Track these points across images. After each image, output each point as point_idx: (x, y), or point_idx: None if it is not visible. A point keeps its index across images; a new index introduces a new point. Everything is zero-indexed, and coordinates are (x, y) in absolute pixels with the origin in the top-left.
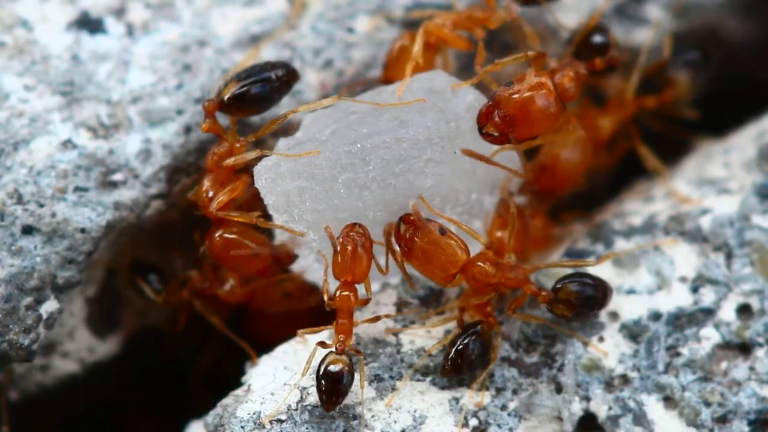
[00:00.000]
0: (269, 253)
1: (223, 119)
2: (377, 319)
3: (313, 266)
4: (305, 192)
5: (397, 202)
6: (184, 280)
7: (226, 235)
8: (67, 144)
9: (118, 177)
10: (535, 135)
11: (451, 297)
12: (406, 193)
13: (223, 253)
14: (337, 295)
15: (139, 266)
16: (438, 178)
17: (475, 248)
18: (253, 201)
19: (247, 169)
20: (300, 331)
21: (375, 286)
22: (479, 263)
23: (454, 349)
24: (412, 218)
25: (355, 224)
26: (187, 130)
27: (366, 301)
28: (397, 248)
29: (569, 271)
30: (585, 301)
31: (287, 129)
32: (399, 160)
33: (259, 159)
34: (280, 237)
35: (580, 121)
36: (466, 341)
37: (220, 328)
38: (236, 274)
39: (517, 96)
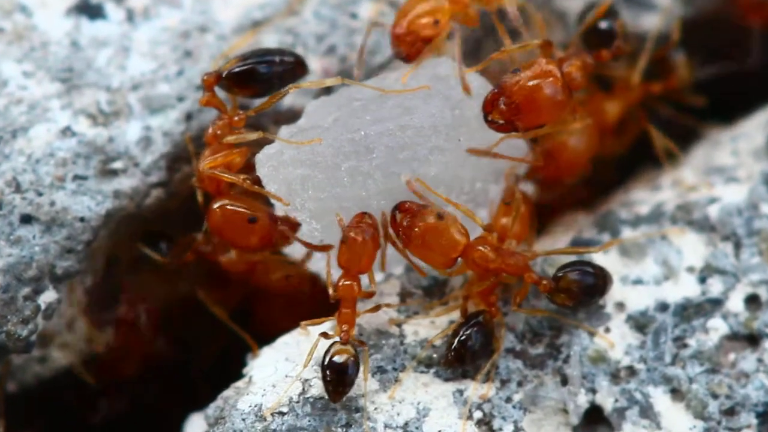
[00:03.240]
0: (268, 218)
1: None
2: (378, 308)
3: (315, 256)
4: (308, 180)
5: (401, 190)
6: (190, 242)
7: (226, 206)
8: (67, 131)
9: (117, 165)
10: (541, 123)
11: (455, 287)
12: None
13: (223, 224)
14: (340, 284)
15: (150, 235)
16: (442, 166)
17: (477, 233)
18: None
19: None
20: (303, 323)
21: (378, 277)
22: (479, 247)
23: (456, 340)
24: (407, 206)
25: (364, 214)
26: (188, 117)
27: (370, 294)
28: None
29: (571, 259)
30: (586, 290)
31: (289, 116)
32: (403, 147)
33: (260, 140)
34: (280, 212)
35: (585, 106)
36: (468, 331)
37: (222, 318)
38: (238, 250)
39: (523, 83)
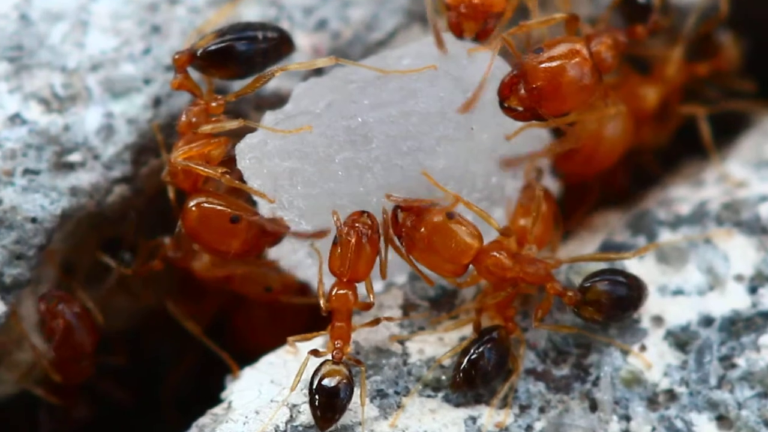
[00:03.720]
0: (252, 218)
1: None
2: (377, 322)
3: (305, 262)
4: (296, 174)
5: (404, 186)
6: (156, 248)
7: (203, 204)
8: (15, 119)
9: (75, 158)
10: (566, 111)
11: (466, 299)
12: (414, 176)
13: (200, 225)
14: (334, 293)
15: (111, 244)
16: (452, 159)
17: (492, 236)
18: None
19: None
20: (290, 339)
21: (377, 286)
22: (494, 253)
23: (466, 359)
24: (411, 204)
25: (362, 213)
26: (157, 102)
27: (367, 306)
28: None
29: (601, 266)
30: (617, 302)
31: (275, 101)
32: (406, 137)
33: (240, 129)
34: (265, 211)
35: (619, 91)
36: (480, 349)
37: (195, 334)
38: (216, 257)
39: (546, 65)
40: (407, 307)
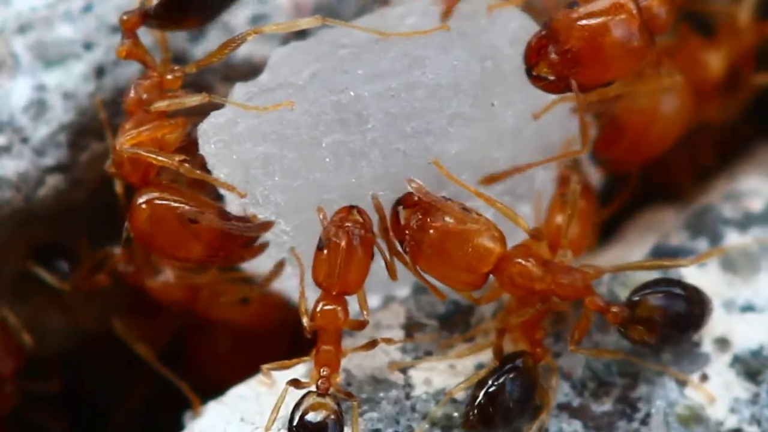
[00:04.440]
0: (217, 217)
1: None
2: (373, 345)
3: (284, 269)
4: (273, 162)
5: (407, 176)
6: (103, 260)
7: (155, 200)
8: None
9: None
10: (609, 80)
11: (484, 316)
12: (420, 164)
13: (152, 227)
14: (319, 309)
15: (42, 251)
16: (467, 142)
17: (517, 240)
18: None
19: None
20: (264, 367)
21: (373, 301)
22: (519, 259)
23: (483, 392)
24: (416, 199)
25: (351, 208)
26: (100, 72)
27: (361, 325)
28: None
29: (653, 276)
30: (672, 321)
31: (246, 71)
32: (411, 115)
33: (204, 105)
34: (235, 208)
35: (675, 57)
36: (501, 380)
37: (148, 359)
38: (174, 263)
39: (583, 22)
40: (411, 327)
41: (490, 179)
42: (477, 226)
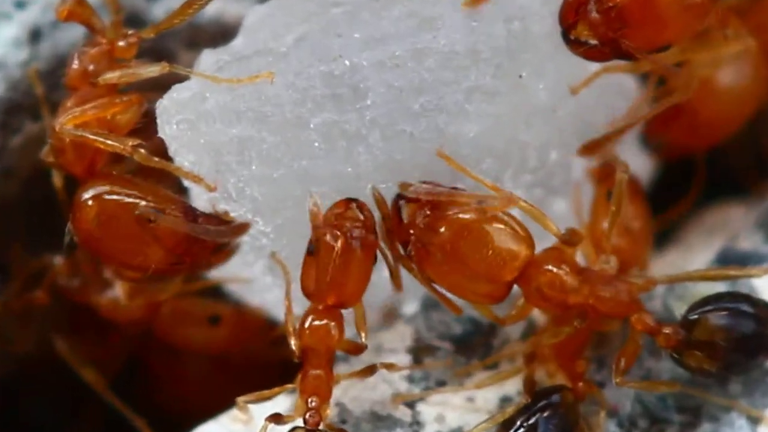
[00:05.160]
0: (181, 215)
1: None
2: (372, 371)
3: (262, 280)
4: (250, 147)
5: (415, 164)
6: (40, 272)
7: (104, 195)
8: None
9: None
10: (663, 44)
11: (510, 338)
12: (431, 150)
13: (100, 228)
14: (307, 325)
15: None
16: (489, 123)
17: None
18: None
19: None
20: (240, 399)
21: (375, 318)
22: (549, 266)
23: None
24: (419, 193)
25: (349, 202)
26: (35, 36)
27: (357, 348)
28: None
29: (717, 289)
30: (740, 344)
31: (216, 34)
32: (419, 89)
33: (163, 78)
34: (202, 204)
35: (747, 17)
36: (532, 420)
37: (97, 388)
38: (127, 274)
39: None
40: (419, 351)
41: (591, 147)
42: (498, 224)
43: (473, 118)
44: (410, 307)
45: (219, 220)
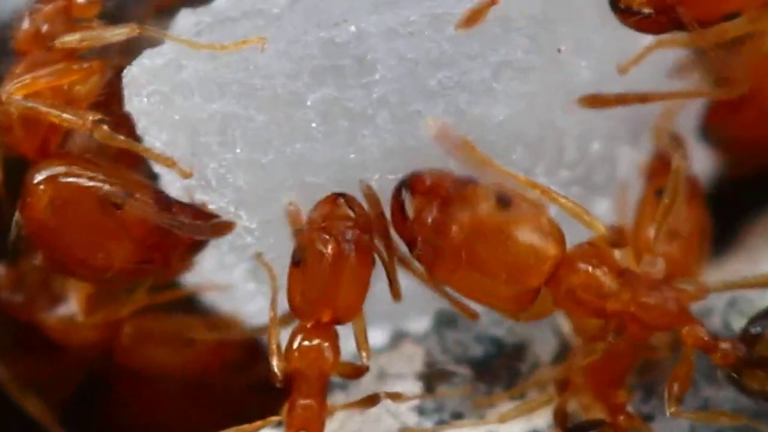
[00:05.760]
0: (153, 203)
1: None
2: (375, 401)
3: (244, 288)
4: (234, 126)
5: (431, 151)
6: None
7: (60, 178)
8: None
9: None
10: (727, 13)
11: (540, 360)
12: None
13: (55, 218)
14: (295, 346)
15: None
16: (522, 105)
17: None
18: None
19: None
20: None
21: (377, 337)
22: (584, 265)
23: None
24: (430, 181)
25: (336, 198)
26: None
27: (357, 371)
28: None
29: None
30: None
31: None
32: (438, 62)
33: (132, 42)
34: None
35: None
36: None
37: (43, 420)
38: (84, 275)
39: None
40: (432, 377)
41: (594, 100)
42: (521, 220)
43: (502, 99)
44: (420, 324)
45: (197, 211)
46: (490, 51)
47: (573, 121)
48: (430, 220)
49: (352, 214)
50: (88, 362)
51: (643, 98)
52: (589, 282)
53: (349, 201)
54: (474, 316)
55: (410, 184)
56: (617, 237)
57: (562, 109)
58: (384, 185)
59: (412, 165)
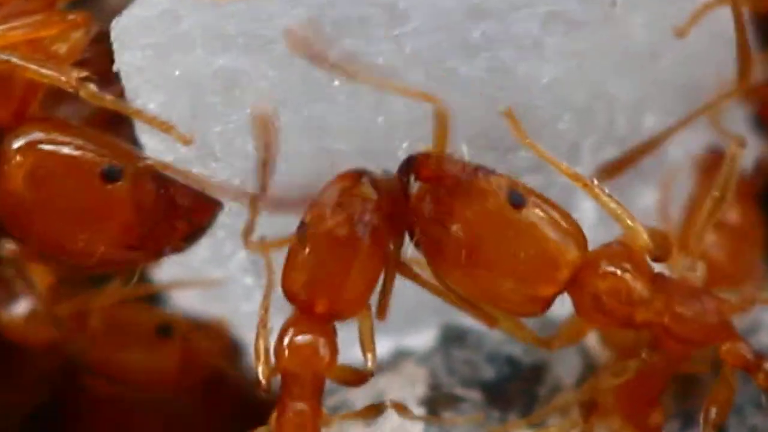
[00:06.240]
0: (147, 175)
1: None
2: (378, 412)
3: (240, 283)
4: (242, 83)
5: (470, 117)
6: None
7: (38, 145)
8: None
9: None
10: None
11: (561, 382)
12: (492, 96)
13: (36, 190)
14: (287, 341)
15: None
16: (569, 65)
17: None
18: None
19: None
20: None
21: (382, 346)
22: (611, 268)
23: None
24: (433, 167)
25: (359, 176)
26: None
27: (359, 377)
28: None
29: None
30: None
31: None
32: (479, 11)
33: None
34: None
35: None
36: None
37: None
38: (60, 260)
39: None
40: (437, 402)
41: (611, 171)
42: (536, 216)
43: (550, 57)
44: (423, 339)
45: (197, 196)
46: (538, 0)
47: (626, 87)
48: (428, 211)
49: (374, 196)
50: (49, 375)
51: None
52: (616, 287)
53: (375, 182)
54: (492, 321)
55: (415, 167)
56: (662, 249)
57: (614, 72)
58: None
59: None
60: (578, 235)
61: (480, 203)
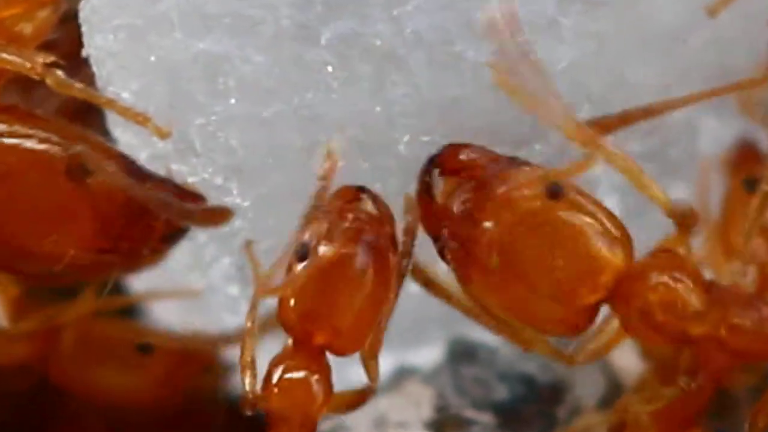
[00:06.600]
0: (124, 170)
1: None
2: None
3: (223, 292)
4: (226, 70)
5: (478, 107)
6: None
7: (2, 136)
8: None
9: None
10: None
11: (581, 404)
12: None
13: None
14: (276, 377)
15: None
16: (589, 48)
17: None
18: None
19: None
20: None
21: (384, 364)
22: (662, 277)
23: None
24: (464, 158)
25: (359, 193)
26: None
27: (359, 398)
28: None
29: None
30: None
31: None
32: None
33: None
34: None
35: None
36: None
37: None
38: (25, 267)
39: None
40: (444, 425)
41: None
42: (580, 216)
43: (568, 39)
44: (429, 356)
45: (178, 189)
46: None
47: (649, 74)
48: (457, 207)
49: (375, 212)
50: (20, 396)
51: (648, 112)
52: (670, 299)
53: (375, 199)
54: (527, 344)
55: (440, 160)
56: (686, 217)
57: (637, 56)
58: (415, 150)
59: (452, 124)
60: (625, 239)
61: (515, 196)
